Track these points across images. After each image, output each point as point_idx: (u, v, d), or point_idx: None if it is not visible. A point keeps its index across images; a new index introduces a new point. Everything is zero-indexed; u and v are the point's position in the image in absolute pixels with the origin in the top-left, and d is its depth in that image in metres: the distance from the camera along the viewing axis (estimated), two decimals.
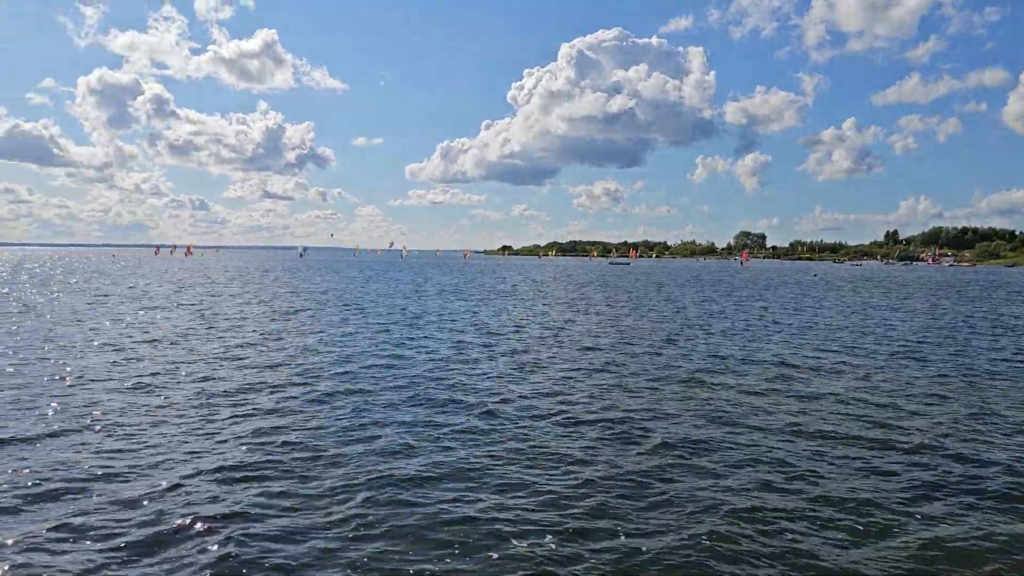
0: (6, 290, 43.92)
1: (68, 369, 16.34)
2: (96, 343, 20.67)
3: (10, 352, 18.70)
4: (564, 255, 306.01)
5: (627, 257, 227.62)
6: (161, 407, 12.85)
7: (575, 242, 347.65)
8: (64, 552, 6.98)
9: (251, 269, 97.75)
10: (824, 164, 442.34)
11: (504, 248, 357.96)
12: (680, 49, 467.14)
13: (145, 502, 8.22)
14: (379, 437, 11.02)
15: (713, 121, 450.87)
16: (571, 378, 16.33)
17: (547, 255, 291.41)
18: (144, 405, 12.98)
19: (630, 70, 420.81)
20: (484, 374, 16.77)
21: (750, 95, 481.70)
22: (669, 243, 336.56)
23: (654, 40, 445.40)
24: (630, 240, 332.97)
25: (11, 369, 16.24)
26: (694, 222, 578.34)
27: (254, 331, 24.33)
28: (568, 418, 12.47)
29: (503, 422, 12.15)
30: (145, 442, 10.54)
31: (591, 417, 12.56)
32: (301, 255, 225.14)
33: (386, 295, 45.46)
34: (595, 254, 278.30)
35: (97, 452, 10.03)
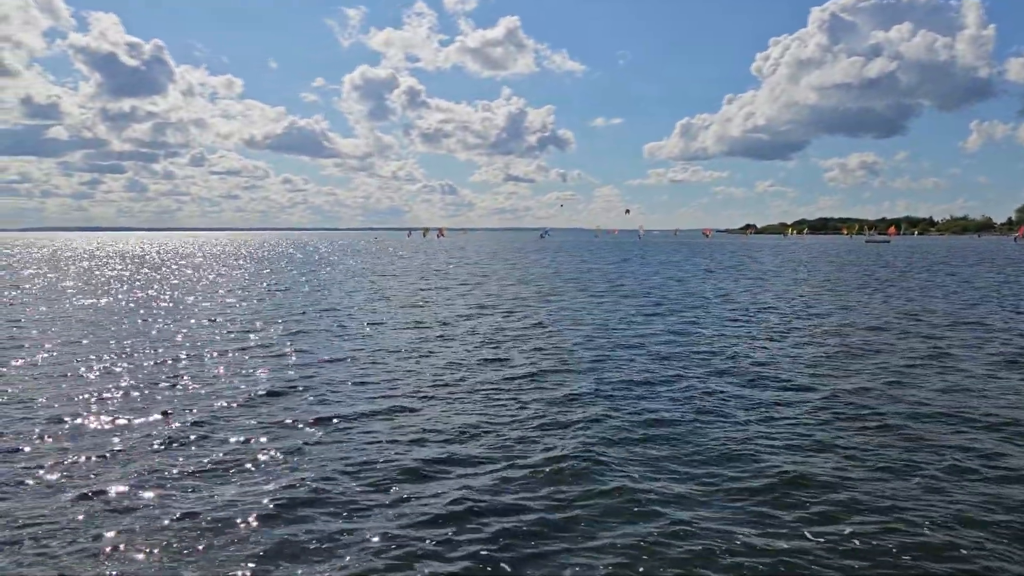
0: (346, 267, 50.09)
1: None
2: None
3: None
4: (813, 233, 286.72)
5: (885, 235, 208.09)
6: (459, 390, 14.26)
7: (825, 219, 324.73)
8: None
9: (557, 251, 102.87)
10: None
11: (747, 227, 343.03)
12: (952, 2, 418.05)
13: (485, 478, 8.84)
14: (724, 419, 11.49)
15: (991, 80, 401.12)
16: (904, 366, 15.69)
17: (793, 233, 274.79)
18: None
19: (891, 30, 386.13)
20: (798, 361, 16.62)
21: None
22: (935, 219, 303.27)
23: None
24: (888, 216, 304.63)
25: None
26: (966, 195, 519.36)
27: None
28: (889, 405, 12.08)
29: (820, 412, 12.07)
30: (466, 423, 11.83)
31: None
32: (542, 236, 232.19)
33: (657, 276, 46.01)
34: (847, 231, 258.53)
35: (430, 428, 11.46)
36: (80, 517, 7.40)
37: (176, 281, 40.12)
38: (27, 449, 9.55)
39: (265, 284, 37.58)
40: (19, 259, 72.77)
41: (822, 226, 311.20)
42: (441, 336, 19.42)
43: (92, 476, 8.61)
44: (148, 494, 8.04)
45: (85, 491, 8.06)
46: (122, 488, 8.19)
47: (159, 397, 12.38)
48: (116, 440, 9.91)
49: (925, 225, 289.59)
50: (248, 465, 8.98)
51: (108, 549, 6.75)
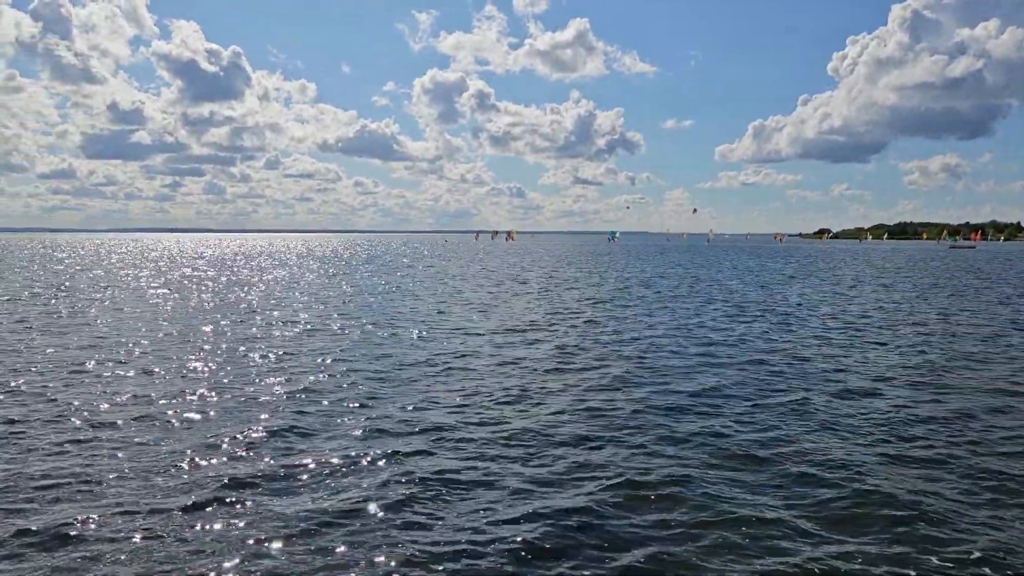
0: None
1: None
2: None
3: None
4: (892, 238, 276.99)
5: (970, 240, 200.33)
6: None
7: (905, 224, 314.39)
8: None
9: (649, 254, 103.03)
10: None
11: (822, 231, 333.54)
12: None
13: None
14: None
15: None
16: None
17: (868, 238, 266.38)
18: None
19: (977, 27, 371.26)
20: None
21: None
22: None
23: None
24: (972, 221, 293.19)
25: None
26: None
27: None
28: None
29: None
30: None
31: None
32: (611, 239, 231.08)
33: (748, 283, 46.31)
34: (927, 236, 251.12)
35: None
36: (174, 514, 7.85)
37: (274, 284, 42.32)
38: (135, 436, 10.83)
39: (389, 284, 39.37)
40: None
41: (901, 231, 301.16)
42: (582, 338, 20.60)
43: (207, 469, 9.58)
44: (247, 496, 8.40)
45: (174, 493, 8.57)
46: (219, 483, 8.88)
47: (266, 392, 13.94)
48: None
49: (1013, 230, 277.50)
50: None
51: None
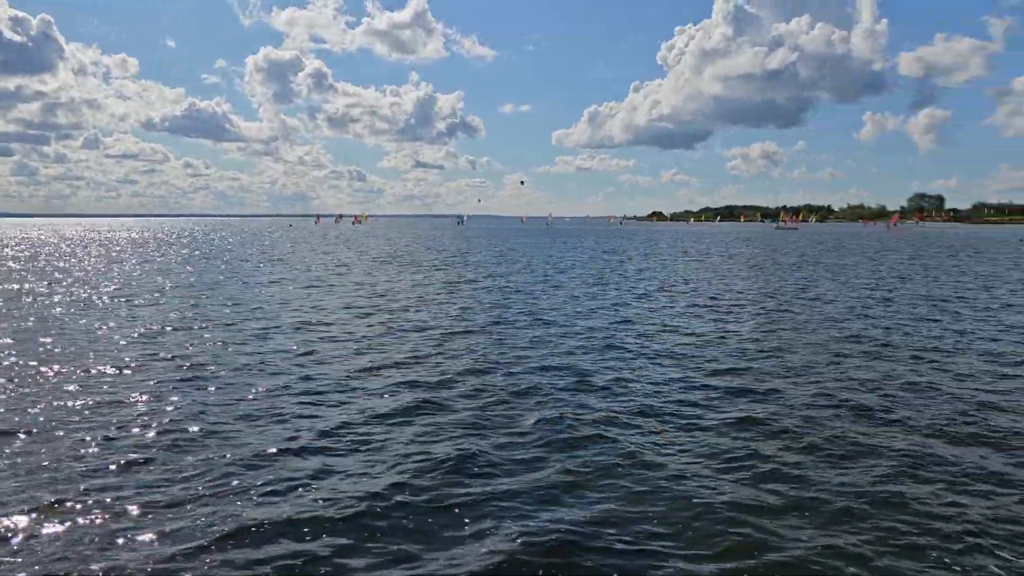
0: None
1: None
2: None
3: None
4: (722, 220, 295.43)
5: (794, 223, 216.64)
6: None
7: (731, 207, 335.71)
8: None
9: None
10: (1015, 118, 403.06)
11: (654, 214, 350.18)
12: None
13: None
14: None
15: (884, 74, 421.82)
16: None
17: (692, 221, 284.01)
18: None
19: (791, 22, 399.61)
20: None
21: (929, 43, 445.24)
22: (833, 207, 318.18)
23: None
24: (789, 204, 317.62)
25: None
26: (860, 185, 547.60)
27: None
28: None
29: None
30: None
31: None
32: (459, 223, 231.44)
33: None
34: (744, 218, 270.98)
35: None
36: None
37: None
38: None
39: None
40: None
41: (728, 213, 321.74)
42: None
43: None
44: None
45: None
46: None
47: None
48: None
49: (824, 213, 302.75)
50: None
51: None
